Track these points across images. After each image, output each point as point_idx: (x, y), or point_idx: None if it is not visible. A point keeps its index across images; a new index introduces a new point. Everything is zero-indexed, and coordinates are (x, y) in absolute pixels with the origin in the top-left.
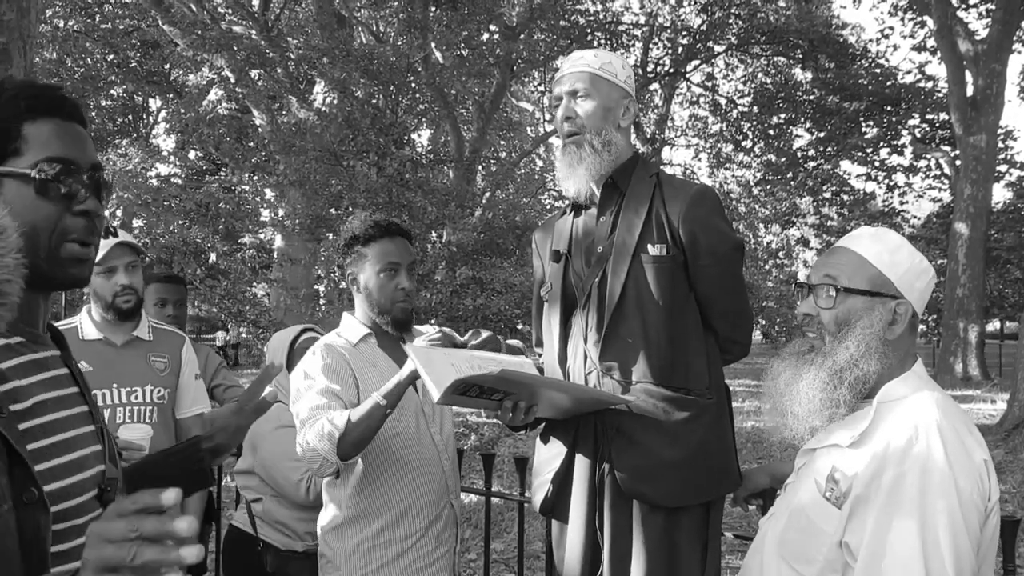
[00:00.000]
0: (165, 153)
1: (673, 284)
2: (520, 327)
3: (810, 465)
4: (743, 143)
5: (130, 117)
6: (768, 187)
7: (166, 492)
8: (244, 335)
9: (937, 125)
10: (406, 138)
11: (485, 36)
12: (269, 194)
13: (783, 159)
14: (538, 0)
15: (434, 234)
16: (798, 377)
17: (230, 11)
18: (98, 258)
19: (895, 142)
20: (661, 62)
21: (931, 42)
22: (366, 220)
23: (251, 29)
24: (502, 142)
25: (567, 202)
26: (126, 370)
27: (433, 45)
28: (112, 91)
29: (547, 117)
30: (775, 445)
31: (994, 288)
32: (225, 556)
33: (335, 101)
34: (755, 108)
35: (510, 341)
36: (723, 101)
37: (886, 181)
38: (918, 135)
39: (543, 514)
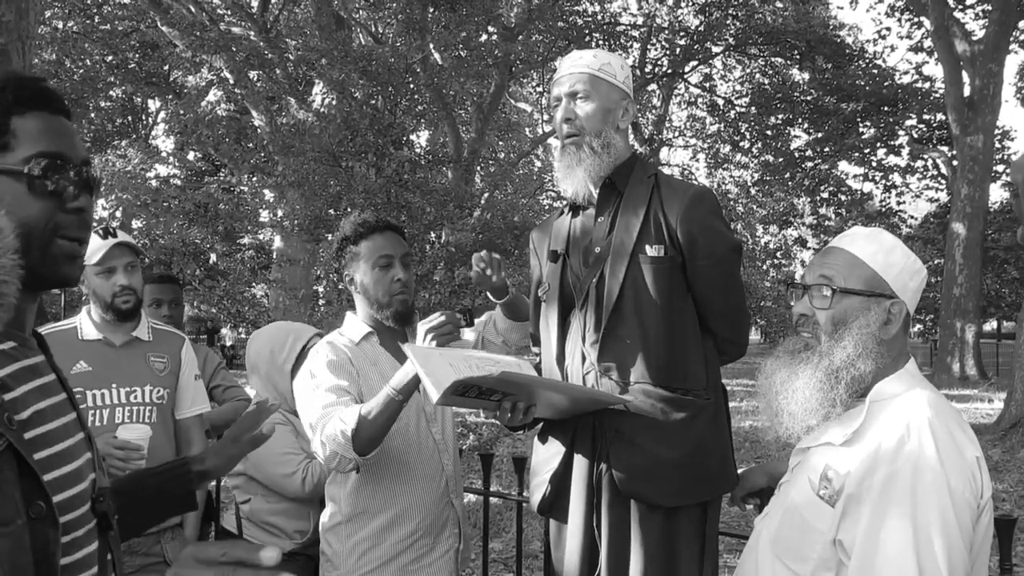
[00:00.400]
0: (164, 154)
1: (671, 285)
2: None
3: (804, 464)
4: (741, 143)
5: (129, 118)
6: (766, 187)
7: (265, 551)
8: (243, 335)
9: (934, 125)
10: (405, 139)
11: (483, 37)
12: (268, 195)
13: (781, 159)
14: (536, 1)
15: (433, 235)
16: (794, 376)
17: (229, 12)
18: (97, 259)
19: (892, 142)
20: (659, 63)
21: (928, 43)
22: (355, 219)
23: (250, 30)
24: (500, 143)
25: (565, 202)
26: (125, 370)
27: (432, 46)
28: (111, 92)
29: (545, 118)
30: (772, 444)
31: (991, 288)
32: None
33: (334, 102)
34: (753, 109)
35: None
36: (721, 102)
37: (883, 181)
38: (915, 135)
39: (541, 514)
